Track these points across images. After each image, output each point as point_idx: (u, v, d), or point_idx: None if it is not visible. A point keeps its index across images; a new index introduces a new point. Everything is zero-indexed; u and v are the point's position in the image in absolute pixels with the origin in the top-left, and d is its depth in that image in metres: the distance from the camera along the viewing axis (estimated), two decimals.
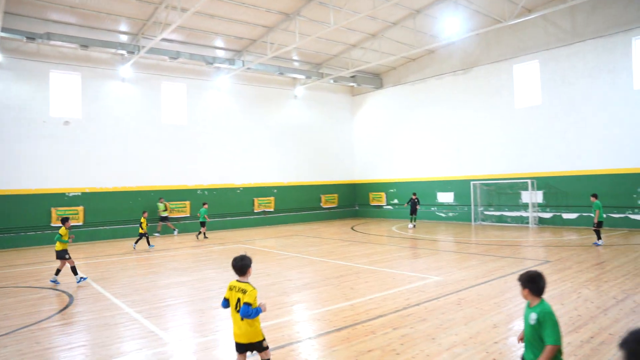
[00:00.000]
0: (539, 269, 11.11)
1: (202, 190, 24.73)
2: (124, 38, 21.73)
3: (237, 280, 4.80)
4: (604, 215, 15.55)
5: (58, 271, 11.43)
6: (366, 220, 28.54)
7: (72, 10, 18.81)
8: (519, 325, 6.93)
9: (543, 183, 21.66)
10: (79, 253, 17.23)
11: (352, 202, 31.84)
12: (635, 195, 18.85)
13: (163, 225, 22.75)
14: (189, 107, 24.69)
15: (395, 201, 29.12)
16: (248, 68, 24.43)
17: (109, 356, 6.19)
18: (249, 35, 23.00)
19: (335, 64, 28.10)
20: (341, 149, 31.46)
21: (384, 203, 29.82)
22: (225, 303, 4.81)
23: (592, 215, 19.96)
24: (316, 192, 29.77)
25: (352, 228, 24.07)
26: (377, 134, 30.28)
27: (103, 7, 18.81)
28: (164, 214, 22.57)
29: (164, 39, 21.08)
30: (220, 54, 24.81)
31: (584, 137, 20.32)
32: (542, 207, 21.84)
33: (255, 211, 26.82)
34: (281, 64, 26.55)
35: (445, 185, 26.08)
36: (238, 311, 4.61)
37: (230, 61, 24.24)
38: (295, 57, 27.01)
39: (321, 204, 29.96)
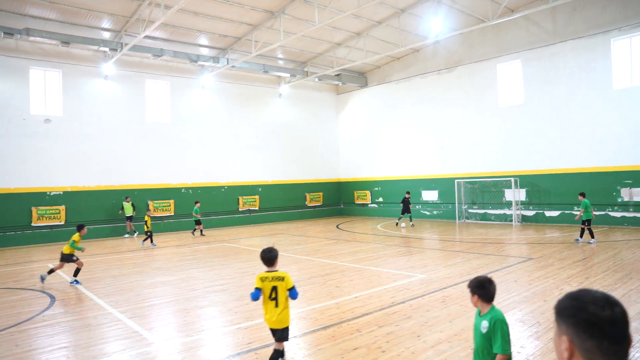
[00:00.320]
0: (522, 266, 11.31)
1: (187, 189, 24.53)
2: (106, 35, 21.42)
3: (267, 271, 5.17)
4: (594, 214, 15.62)
5: (52, 271, 11.29)
6: (351, 219, 28.61)
7: (52, 5, 18.47)
8: None
9: (526, 181, 21.96)
10: (60, 253, 16.95)
11: (337, 201, 31.89)
12: (615, 193, 19.23)
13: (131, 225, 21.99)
14: (172, 106, 24.45)
15: (380, 199, 29.25)
16: (232, 66, 24.28)
17: (92, 357, 6.10)
18: (233, 33, 22.86)
19: (320, 63, 28.09)
20: (326, 147, 31.47)
21: (368, 201, 29.92)
22: (257, 294, 5.06)
23: (574, 212, 20.33)
24: (301, 191, 29.74)
25: (337, 226, 24.11)
26: (362, 132, 30.37)
27: (84, 3, 18.50)
28: (130, 214, 21.81)
29: (147, 37, 20.83)
30: (205, 51, 24.61)
31: (565, 135, 20.65)
32: (525, 205, 22.15)
33: (240, 210, 26.70)
34: (266, 62, 26.44)
35: (429, 184, 26.27)
36: (273, 299, 5.03)
37: (215, 59, 24.07)
38: (280, 56, 26.93)
39: (306, 203, 29.95)
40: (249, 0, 19.53)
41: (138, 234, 21.82)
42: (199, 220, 21.39)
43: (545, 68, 21.21)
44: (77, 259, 11.28)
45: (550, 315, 7.15)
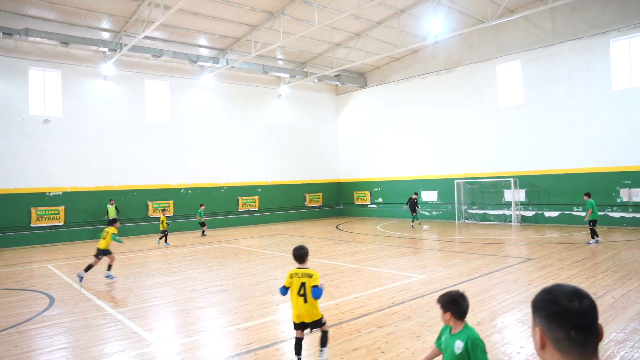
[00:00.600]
0: (521, 266, 11.31)
1: (186, 189, 24.52)
2: (105, 35, 21.41)
3: (298, 268, 5.39)
4: (598, 214, 15.49)
5: (89, 267, 11.43)
6: (351, 219, 28.61)
7: (52, 5, 18.46)
8: (502, 323, 7.02)
9: (525, 182, 21.96)
10: (59, 254, 16.97)
11: (337, 201, 31.89)
12: (614, 194, 19.24)
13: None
14: (172, 106, 24.44)
15: (380, 200, 29.26)
16: (232, 67, 24.28)
17: (91, 358, 6.09)
18: (233, 34, 22.86)
19: (319, 63, 28.09)
20: (325, 148, 31.47)
21: (368, 202, 29.92)
22: (284, 290, 5.36)
23: (573, 213, 20.36)
24: (301, 191, 29.74)
25: (336, 227, 24.10)
26: (362, 133, 30.37)
27: (84, 3, 18.49)
28: (113, 217, 21.32)
29: (146, 37, 20.82)
30: (204, 52, 24.61)
31: (565, 136, 20.66)
32: (525, 205, 22.15)
33: (240, 210, 26.69)
34: (265, 62, 26.45)
35: (429, 184, 26.28)
36: (301, 295, 5.21)
37: (214, 60, 24.07)
38: (279, 56, 26.94)
39: (306, 203, 29.94)
40: (248, 0, 19.53)
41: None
42: (204, 222, 21.52)
43: (545, 69, 21.22)
44: (111, 253, 11.60)
45: None
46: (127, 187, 22.63)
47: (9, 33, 18.37)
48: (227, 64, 24.15)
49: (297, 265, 5.46)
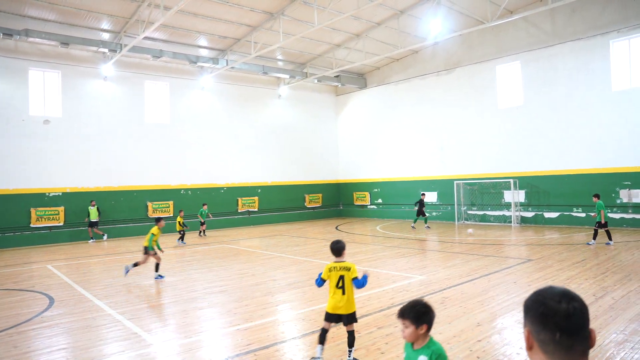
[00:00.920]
0: (521, 267, 11.31)
1: (186, 190, 24.52)
2: (105, 36, 21.41)
3: (335, 261, 5.58)
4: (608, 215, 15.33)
5: (157, 265, 11.50)
6: (350, 220, 28.60)
7: (52, 6, 18.46)
8: (502, 324, 7.01)
9: (525, 182, 21.96)
10: (59, 254, 16.96)
11: (337, 202, 31.88)
12: (614, 195, 19.23)
13: (93, 231, 20.93)
14: (172, 107, 24.44)
15: (380, 201, 29.25)
16: (232, 67, 24.28)
17: (91, 359, 6.09)
18: (232, 35, 22.86)
19: (319, 64, 28.10)
20: (325, 148, 31.47)
21: (368, 203, 29.91)
22: (321, 282, 5.61)
23: (573, 214, 20.37)
24: (300, 192, 29.73)
25: (336, 228, 24.10)
26: (361, 133, 30.37)
27: (84, 4, 18.49)
28: (95, 219, 20.94)
29: (146, 38, 20.82)
30: (204, 53, 24.62)
31: (565, 137, 20.65)
32: (524, 206, 22.15)
33: (239, 211, 26.69)
34: (265, 63, 26.45)
35: (429, 185, 26.27)
36: (339, 287, 5.45)
37: (214, 60, 24.08)
38: (279, 57, 26.94)
39: (305, 204, 29.94)
40: (248, 1, 19.53)
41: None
42: (204, 222, 21.65)
43: (545, 69, 21.23)
44: (156, 252, 11.54)
45: None
46: (127, 187, 22.62)
47: (9, 34, 18.37)
48: (227, 64, 24.15)
49: (334, 258, 5.64)
